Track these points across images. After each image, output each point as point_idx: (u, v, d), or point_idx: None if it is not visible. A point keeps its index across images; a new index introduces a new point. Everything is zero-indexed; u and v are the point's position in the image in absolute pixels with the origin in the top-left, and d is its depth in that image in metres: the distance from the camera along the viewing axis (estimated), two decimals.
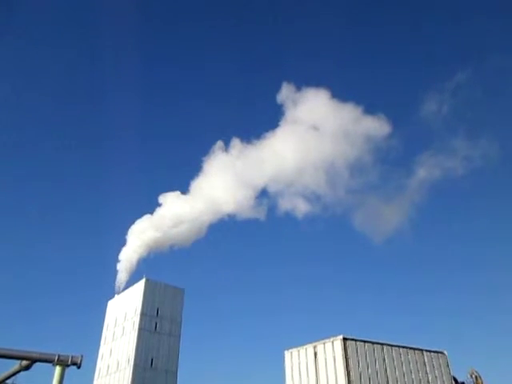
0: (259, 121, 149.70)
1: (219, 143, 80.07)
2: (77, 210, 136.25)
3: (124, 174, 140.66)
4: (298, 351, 33.84)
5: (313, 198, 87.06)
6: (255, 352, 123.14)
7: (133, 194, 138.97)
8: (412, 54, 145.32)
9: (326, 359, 31.51)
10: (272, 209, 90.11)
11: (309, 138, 76.97)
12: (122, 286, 64.47)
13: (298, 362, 33.55)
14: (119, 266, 67.01)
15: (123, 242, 69.31)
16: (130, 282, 63.18)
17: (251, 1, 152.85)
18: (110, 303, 64.02)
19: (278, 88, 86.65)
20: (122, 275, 66.20)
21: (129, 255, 67.23)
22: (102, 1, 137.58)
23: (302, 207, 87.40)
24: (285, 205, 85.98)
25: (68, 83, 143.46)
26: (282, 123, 79.96)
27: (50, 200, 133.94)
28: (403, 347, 34.14)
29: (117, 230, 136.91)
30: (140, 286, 58.27)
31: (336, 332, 32.12)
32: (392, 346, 33.52)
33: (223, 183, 72.41)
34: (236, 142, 79.62)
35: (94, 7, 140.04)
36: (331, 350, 31.43)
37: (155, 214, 70.73)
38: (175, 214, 69.91)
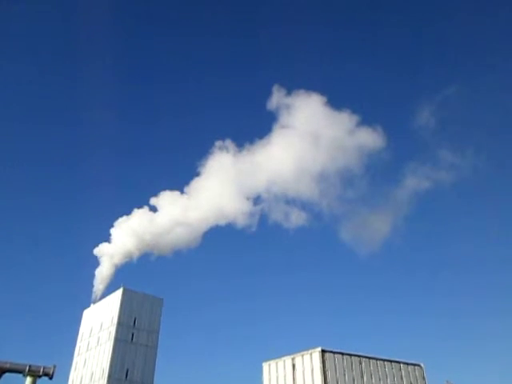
0: (252, 127, 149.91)
1: (219, 143, 79.36)
2: (54, 213, 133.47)
3: (109, 178, 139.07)
4: (276, 363, 33.68)
5: (304, 207, 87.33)
6: (233, 364, 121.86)
7: (118, 198, 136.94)
8: (407, 64, 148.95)
9: (303, 371, 31.45)
10: (263, 218, 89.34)
11: (302, 147, 76.52)
12: (99, 295, 63.16)
13: (276, 373, 33.37)
14: (97, 274, 65.60)
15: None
16: (108, 291, 61.98)
17: (246, 5, 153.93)
18: (86, 312, 62.49)
19: (272, 94, 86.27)
20: (100, 283, 64.81)
21: (108, 262, 65.76)
22: (80, 12, 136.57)
23: (292, 217, 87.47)
24: (276, 215, 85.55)
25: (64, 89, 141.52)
26: (275, 130, 79.69)
27: (28, 203, 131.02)
28: (380, 359, 34.37)
29: (96, 236, 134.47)
30: (117, 295, 57.06)
31: (315, 343, 32.12)
32: (369, 358, 33.70)
33: (215, 190, 71.69)
34: (230, 149, 79.29)
35: (71, 20, 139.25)
36: (309, 361, 31.39)
37: (139, 217, 69.28)
38: (163, 219, 68.61)
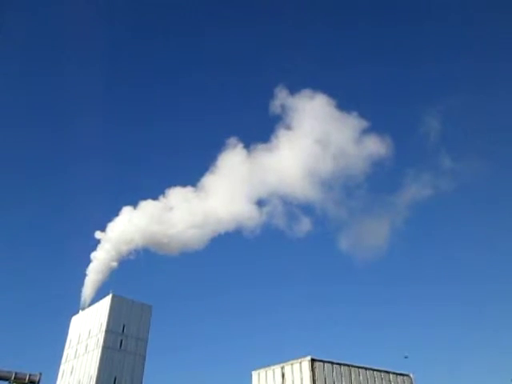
0: (256, 129, 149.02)
1: (230, 141, 78.14)
2: (41, 215, 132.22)
3: (105, 182, 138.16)
4: (266, 372, 33.51)
5: (306, 214, 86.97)
6: (223, 373, 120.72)
7: (113, 200, 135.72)
8: (414, 69, 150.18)
9: (293, 380, 31.32)
10: (265, 224, 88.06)
11: (307, 152, 75.43)
12: (88, 301, 62.49)
13: (265, 382, 33.21)
14: (86, 280, 64.77)
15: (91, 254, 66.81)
16: (97, 298, 61.34)
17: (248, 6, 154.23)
18: (74, 319, 61.80)
19: (276, 94, 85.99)
20: (89, 289, 64.05)
21: (97, 267, 64.79)
22: (67, 8, 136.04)
23: (294, 224, 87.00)
24: (278, 222, 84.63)
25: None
26: (279, 133, 78.69)
27: (14, 205, 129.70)
28: (370, 369, 34.34)
29: (86, 241, 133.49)
30: (106, 301, 56.55)
31: (304, 352, 32.02)
32: (359, 367, 33.66)
33: (221, 194, 70.66)
34: (236, 152, 78.34)
35: (57, 17, 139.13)
36: (299, 370, 31.29)
37: (132, 219, 67.62)
38: (171, 215, 67.14)
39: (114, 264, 65.13)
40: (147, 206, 69.04)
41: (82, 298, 63.56)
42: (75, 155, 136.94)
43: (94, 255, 65.83)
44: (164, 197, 71.71)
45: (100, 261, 64.77)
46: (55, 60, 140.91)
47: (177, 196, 71.55)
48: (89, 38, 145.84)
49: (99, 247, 65.97)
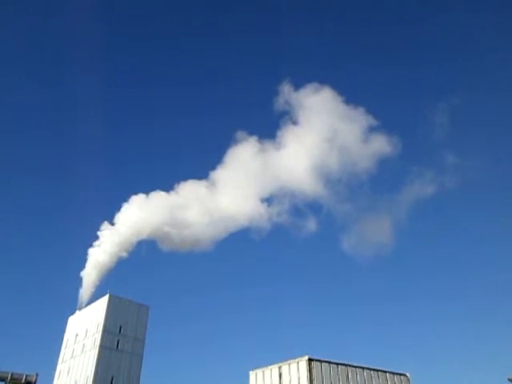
0: (262, 127, 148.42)
1: (241, 134, 77.17)
2: (38, 214, 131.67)
3: (101, 178, 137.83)
4: (263, 372, 33.53)
5: (311, 213, 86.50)
6: (220, 372, 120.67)
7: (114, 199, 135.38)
8: (417, 72, 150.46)
9: (290, 380, 31.36)
10: (270, 224, 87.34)
11: (313, 149, 74.39)
12: (85, 301, 62.24)
13: (262, 382, 33.22)
14: (83, 279, 64.33)
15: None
16: (94, 297, 61.07)
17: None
18: (71, 319, 61.55)
19: (281, 90, 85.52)
20: (86, 289, 63.76)
21: (95, 266, 64.27)
22: (66, 11, 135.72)
23: (300, 223, 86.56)
24: (283, 221, 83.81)
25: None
26: (285, 129, 77.91)
27: (10, 204, 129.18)
28: (367, 368, 34.42)
29: (85, 241, 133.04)
30: (103, 301, 56.37)
31: (303, 351, 32.05)
32: (356, 367, 33.73)
33: (230, 193, 69.65)
34: (245, 146, 77.54)
35: (55, 20, 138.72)
36: (296, 370, 31.32)
37: (143, 213, 66.65)
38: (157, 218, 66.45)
39: (124, 254, 64.85)
40: (158, 199, 68.22)
41: (80, 297, 63.20)
42: (79, 153, 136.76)
43: (100, 243, 65.07)
44: (175, 191, 71.22)
45: (106, 250, 64.08)
46: (55, 61, 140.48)
47: (188, 190, 70.79)
48: (89, 40, 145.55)
49: (106, 236, 65.32)
